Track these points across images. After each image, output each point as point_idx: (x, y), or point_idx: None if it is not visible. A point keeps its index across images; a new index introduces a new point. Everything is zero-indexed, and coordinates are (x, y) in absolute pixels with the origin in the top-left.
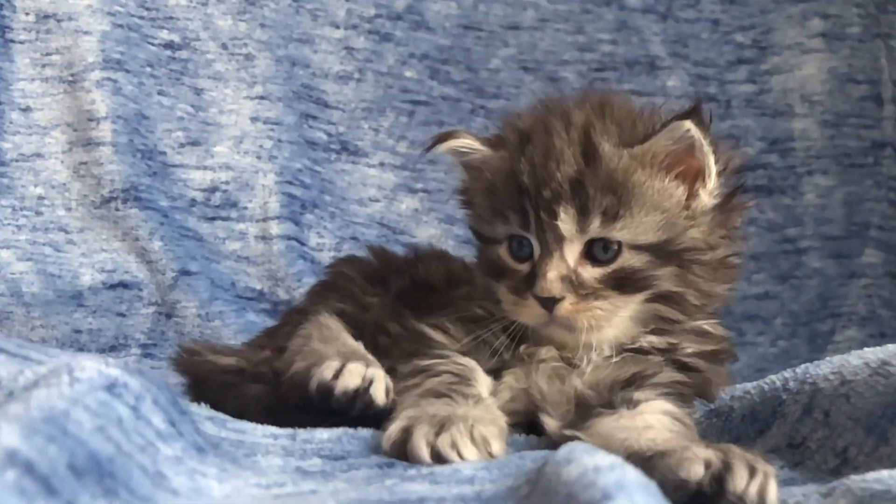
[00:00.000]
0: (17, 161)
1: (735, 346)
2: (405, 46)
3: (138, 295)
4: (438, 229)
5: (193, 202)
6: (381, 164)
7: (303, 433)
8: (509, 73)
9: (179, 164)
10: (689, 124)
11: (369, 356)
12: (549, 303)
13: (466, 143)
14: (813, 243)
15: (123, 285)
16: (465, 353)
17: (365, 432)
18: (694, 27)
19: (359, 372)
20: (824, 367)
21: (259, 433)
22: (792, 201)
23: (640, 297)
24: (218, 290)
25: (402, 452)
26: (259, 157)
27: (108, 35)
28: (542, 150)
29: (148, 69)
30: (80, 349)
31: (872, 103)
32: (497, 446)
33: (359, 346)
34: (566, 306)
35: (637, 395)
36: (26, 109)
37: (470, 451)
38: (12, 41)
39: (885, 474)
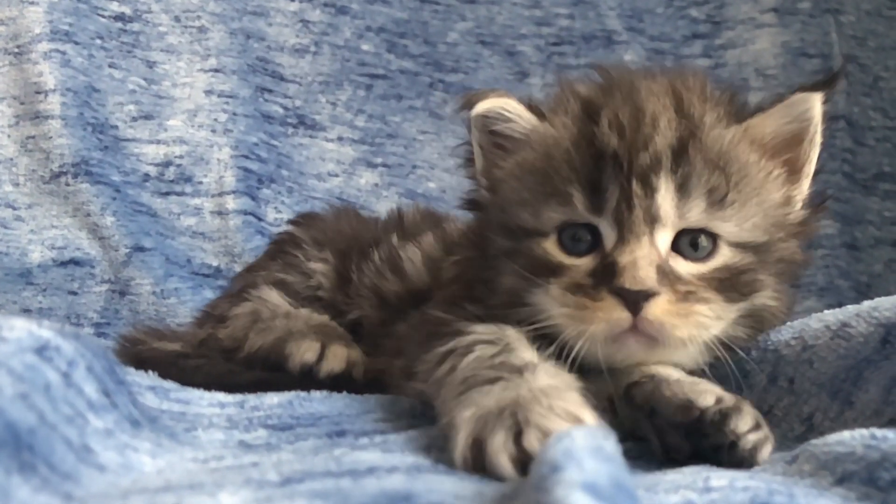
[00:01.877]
0: None
1: None
2: (361, 19)
3: (90, 272)
4: (398, 204)
5: (146, 177)
6: (340, 139)
7: (252, 399)
8: (467, 47)
9: (132, 138)
10: (816, 101)
11: (340, 330)
12: (639, 298)
13: (511, 106)
14: None
15: (75, 262)
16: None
17: (317, 395)
18: (649, 2)
19: (342, 355)
20: (785, 333)
21: (205, 402)
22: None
23: (742, 306)
24: (173, 266)
25: (480, 467)
26: (214, 131)
27: (56, 6)
28: (630, 112)
29: (98, 41)
30: None
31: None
32: (588, 415)
33: (327, 322)
34: (662, 305)
35: None
36: None
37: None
38: None
39: (846, 435)
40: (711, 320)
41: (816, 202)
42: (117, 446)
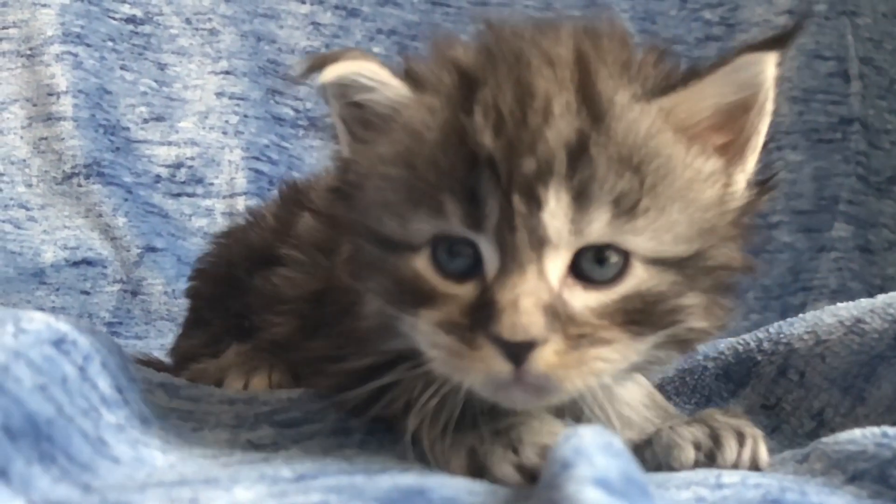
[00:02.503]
0: None
1: None
2: (372, 22)
3: (102, 272)
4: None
5: (158, 178)
6: None
7: (262, 395)
8: None
9: (143, 139)
10: (769, 62)
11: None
12: (520, 350)
13: (371, 70)
14: (783, 218)
15: (87, 262)
16: None
17: None
18: (662, 4)
19: (261, 384)
20: (798, 326)
21: (215, 399)
22: (762, 176)
23: (656, 338)
24: (184, 266)
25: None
26: (225, 133)
27: (68, 8)
28: (514, 95)
29: (109, 43)
30: None
31: (840, 79)
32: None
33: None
34: (548, 355)
35: None
36: None
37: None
38: None
39: (857, 433)
40: (612, 364)
41: (761, 180)
42: (129, 441)
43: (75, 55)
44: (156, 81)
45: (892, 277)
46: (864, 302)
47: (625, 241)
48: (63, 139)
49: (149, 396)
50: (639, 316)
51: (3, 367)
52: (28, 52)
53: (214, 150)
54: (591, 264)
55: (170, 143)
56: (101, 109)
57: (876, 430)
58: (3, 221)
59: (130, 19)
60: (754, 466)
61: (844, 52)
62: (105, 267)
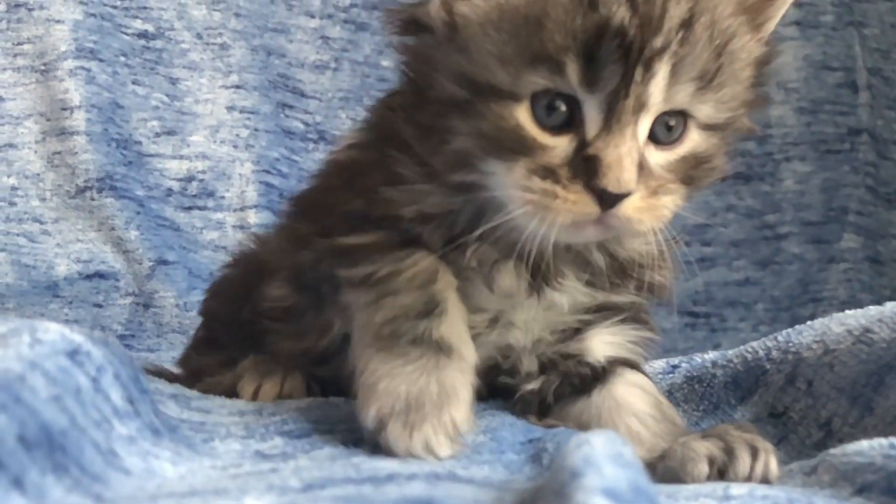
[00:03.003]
0: None
1: (718, 332)
2: (381, 36)
3: (115, 285)
4: None
5: (170, 192)
6: None
7: (270, 406)
8: None
9: (155, 153)
10: None
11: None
12: (617, 200)
13: None
14: (792, 229)
15: (100, 275)
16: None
17: (336, 400)
18: None
19: (272, 392)
20: (807, 335)
21: (226, 411)
22: (770, 188)
23: (695, 191)
24: (196, 279)
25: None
26: (236, 147)
27: (81, 24)
28: None
29: (122, 58)
30: None
31: (848, 90)
32: (464, 426)
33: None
34: (635, 203)
35: (590, 341)
36: None
37: (444, 450)
38: None
39: (865, 445)
40: (671, 211)
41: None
42: (140, 452)
43: (88, 70)
44: (167, 96)
45: None
46: (873, 310)
47: (695, 109)
48: (76, 153)
49: (160, 407)
50: (692, 172)
51: (19, 377)
52: (42, 68)
53: (225, 163)
54: (661, 128)
55: (181, 157)
56: (113, 124)
57: (883, 441)
58: (18, 235)
59: (142, 34)
60: (765, 480)
61: (852, 62)
62: (117, 280)
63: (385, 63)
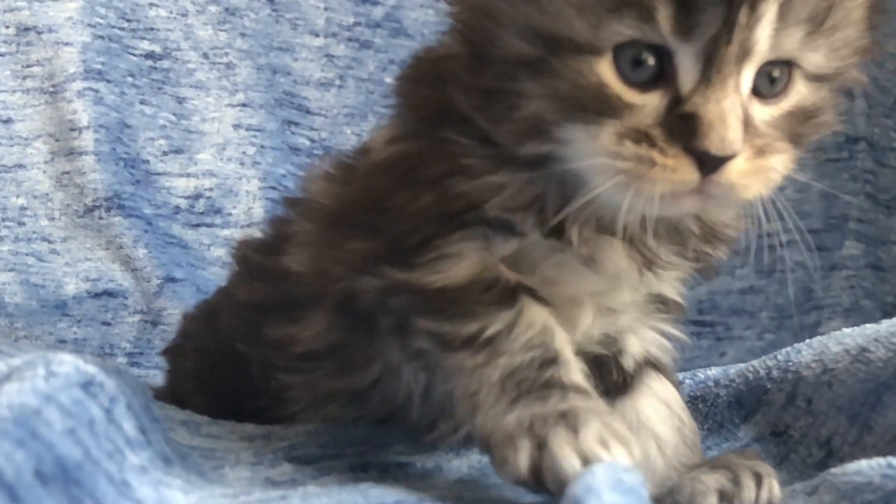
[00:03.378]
0: None
1: (724, 340)
2: (385, 53)
3: (123, 303)
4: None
5: (177, 209)
6: None
7: (279, 430)
8: None
9: (163, 171)
10: None
11: None
12: (719, 163)
13: None
14: (795, 237)
15: (108, 294)
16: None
17: (342, 423)
18: None
19: None
20: (806, 354)
21: (236, 436)
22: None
23: (803, 150)
24: (204, 296)
25: (539, 475)
26: (242, 164)
27: (89, 46)
28: None
29: (129, 79)
30: None
31: (844, 99)
32: (637, 451)
33: None
34: (739, 166)
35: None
36: (7, 121)
37: (619, 450)
38: None
39: (864, 464)
40: (780, 174)
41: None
42: (151, 482)
43: (96, 91)
44: (174, 115)
45: None
46: (869, 329)
47: (803, 56)
48: (85, 173)
49: (171, 434)
50: (800, 129)
51: (35, 411)
52: (51, 90)
53: (232, 180)
54: (763, 79)
55: (188, 175)
56: (121, 143)
57: (882, 460)
58: (27, 255)
59: (150, 55)
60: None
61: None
62: (126, 298)
63: (389, 80)
